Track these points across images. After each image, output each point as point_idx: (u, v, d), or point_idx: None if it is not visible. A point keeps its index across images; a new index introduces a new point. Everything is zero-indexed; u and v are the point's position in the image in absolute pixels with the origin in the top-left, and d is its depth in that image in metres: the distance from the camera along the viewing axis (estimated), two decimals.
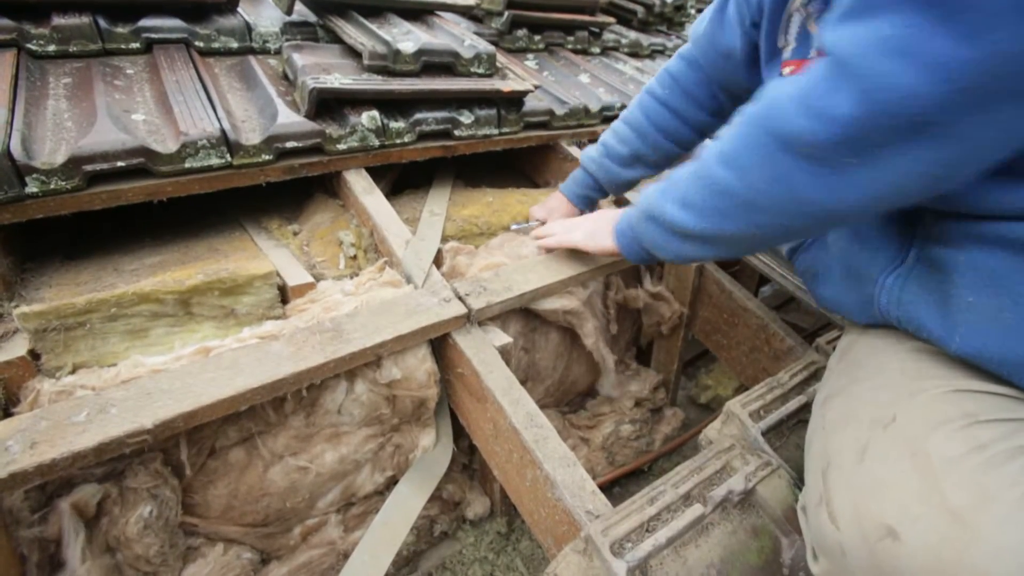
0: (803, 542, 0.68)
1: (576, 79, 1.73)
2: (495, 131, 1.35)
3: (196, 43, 1.26)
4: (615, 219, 0.90)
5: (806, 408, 0.84)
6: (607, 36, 2.11)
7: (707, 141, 1.13)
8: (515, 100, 1.38)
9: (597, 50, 2.06)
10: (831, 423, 0.62)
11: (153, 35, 1.21)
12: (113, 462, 0.77)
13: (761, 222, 0.61)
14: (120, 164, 0.92)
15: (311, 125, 1.10)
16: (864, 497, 0.51)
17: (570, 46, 1.97)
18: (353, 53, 1.28)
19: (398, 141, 1.22)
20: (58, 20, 1.12)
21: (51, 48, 1.12)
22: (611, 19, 2.12)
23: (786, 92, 0.53)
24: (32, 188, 0.86)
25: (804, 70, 0.52)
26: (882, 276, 0.65)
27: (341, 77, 1.15)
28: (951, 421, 0.51)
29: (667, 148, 1.11)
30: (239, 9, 1.37)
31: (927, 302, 0.60)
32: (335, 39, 1.36)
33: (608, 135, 1.17)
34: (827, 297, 0.78)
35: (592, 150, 1.20)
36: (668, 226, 0.72)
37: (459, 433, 1.06)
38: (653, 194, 0.75)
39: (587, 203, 1.23)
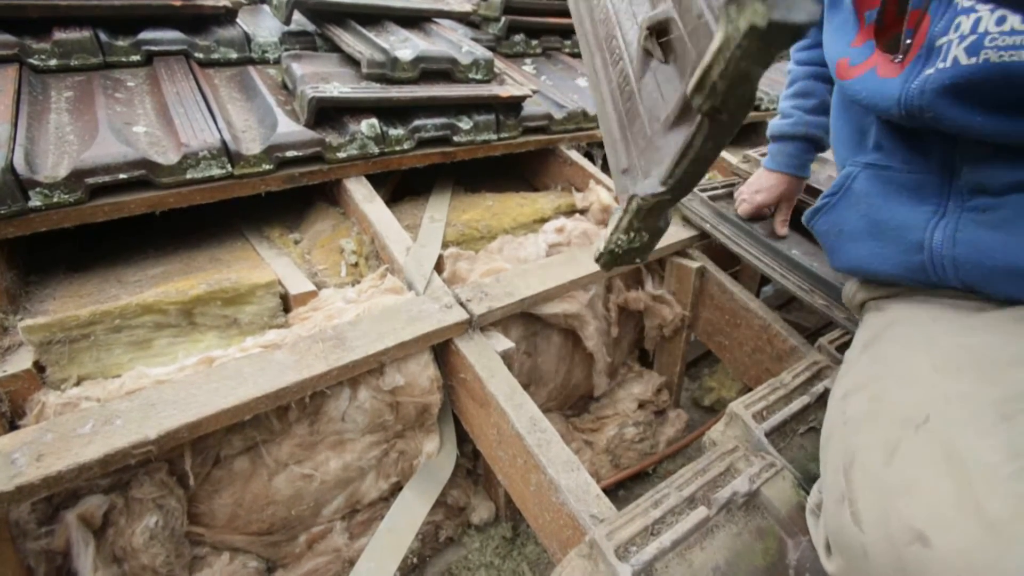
0: (809, 543, 0.68)
1: (574, 83, 1.73)
2: (494, 136, 1.35)
3: (196, 54, 1.27)
4: None
5: (810, 409, 0.84)
6: None
7: None
8: (513, 105, 1.38)
9: None
10: (853, 419, 0.60)
11: (153, 47, 1.22)
12: (119, 473, 0.77)
13: None
14: (122, 176, 0.92)
15: (311, 134, 1.10)
16: (893, 499, 0.50)
17: (567, 50, 1.98)
18: (351, 62, 1.28)
19: (397, 148, 1.22)
20: (59, 35, 1.13)
21: (52, 62, 1.13)
22: None
23: None
24: (35, 202, 0.87)
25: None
26: (931, 221, 0.67)
27: (340, 86, 1.15)
28: (988, 425, 0.49)
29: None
30: (238, 20, 1.38)
31: (985, 236, 0.62)
32: (333, 48, 1.37)
33: (785, 100, 1.12)
34: (856, 254, 0.78)
35: (779, 119, 1.13)
36: None
37: (463, 438, 1.06)
38: None
39: (805, 170, 1.15)
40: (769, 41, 0.36)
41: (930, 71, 0.61)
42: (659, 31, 0.47)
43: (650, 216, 0.51)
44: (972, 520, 0.45)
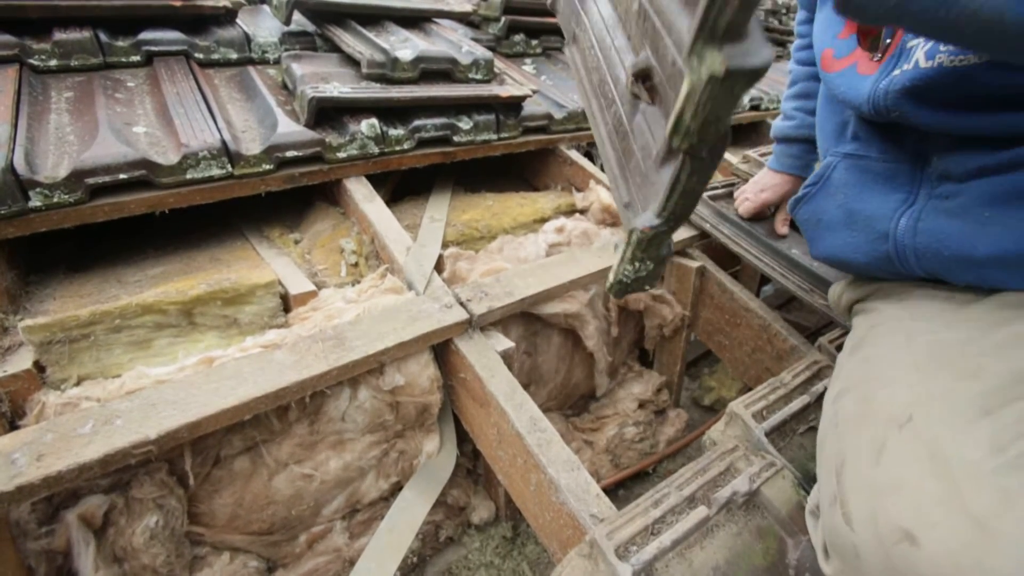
0: (809, 543, 0.68)
1: (574, 83, 1.73)
2: (494, 136, 1.35)
3: (196, 55, 1.27)
4: None
5: (809, 408, 0.84)
6: None
7: None
8: (513, 105, 1.38)
9: None
10: (844, 421, 0.61)
11: (153, 48, 1.22)
12: (119, 473, 0.77)
13: None
14: (122, 176, 0.92)
15: (311, 134, 1.10)
16: (881, 499, 0.51)
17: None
18: (351, 62, 1.29)
19: (397, 148, 1.22)
20: (59, 35, 1.13)
21: (53, 63, 1.13)
22: None
23: None
24: (36, 202, 0.87)
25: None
26: (899, 210, 0.69)
27: (340, 86, 1.15)
28: (970, 421, 0.50)
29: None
30: (238, 20, 1.39)
31: (943, 224, 0.65)
32: (333, 48, 1.37)
33: (787, 100, 1.12)
34: (832, 243, 0.80)
35: (782, 120, 1.13)
36: None
37: (463, 438, 1.06)
38: None
39: (808, 170, 1.14)
40: (730, 86, 0.40)
41: (896, 72, 0.64)
42: (643, 76, 0.50)
43: (651, 246, 0.55)
44: (958, 517, 0.45)
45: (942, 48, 0.59)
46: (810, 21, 1.03)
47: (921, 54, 0.61)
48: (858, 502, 0.53)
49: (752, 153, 1.56)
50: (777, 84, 2.21)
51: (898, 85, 0.64)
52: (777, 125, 1.15)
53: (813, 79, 1.08)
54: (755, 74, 0.40)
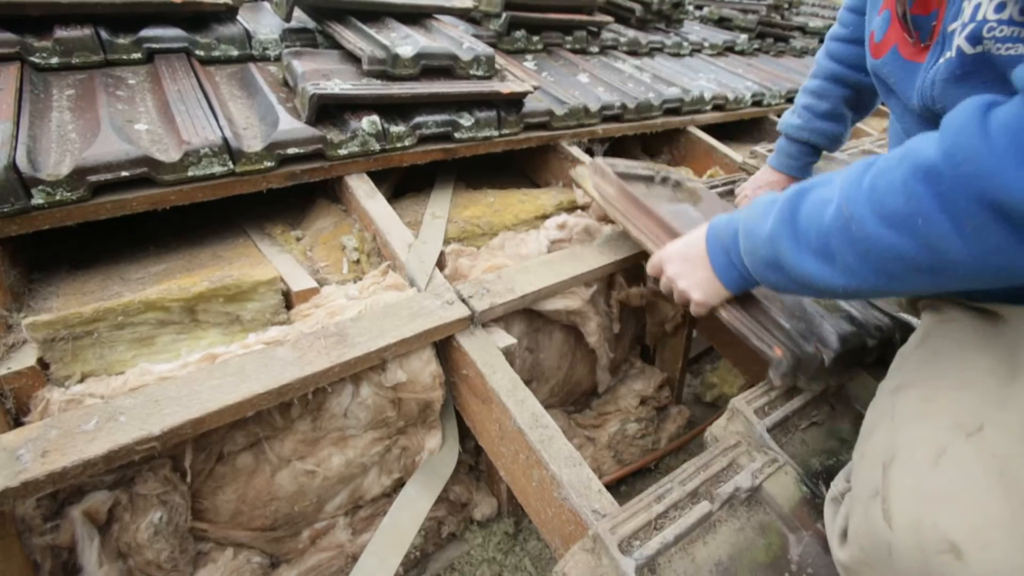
0: (811, 538, 0.68)
1: (575, 79, 1.73)
2: (495, 133, 1.35)
3: (197, 52, 1.27)
4: (711, 257, 0.80)
5: (811, 404, 0.84)
6: (605, 35, 2.12)
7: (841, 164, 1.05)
8: (515, 101, 1.38)
9: (595, 49, 2.06)
10: (902, 415, 0.58)
11: (154, 45, 1.22)
12: (123, 469, 0.77)
13: (946, 284, 0.53)
14: (124, 174, 0.92)
15: (312, 131, 1.10)
16: (931, 505, 0.48)
17: (568, 46, 1.98)
18: (352, 58, 1.28)
19: (399, 145, 1.22)
20: (60, 33, 1.13)
21: (54, 60, 1.13)
22: (609, 18, 2.12)
23: (979, 137, 0.45)
24: (38, 200, 0.87)
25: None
26: None
27: (341, 83, 1.15)
28: None
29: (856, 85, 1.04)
30: (238, 17, 1.38)
31: None
32: (334, 45, 1.37)
33: (801, 94, 1.11)
34: None
35: (790, 115, 1.14)
36: (800, 278, 0.63)
37: (465, 434, 1.06)
38: (775, 237, 0.65)
39: (806, 172, 1.17)
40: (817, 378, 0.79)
41: (941, 61, 0.59)
42: None
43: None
44: (1017, 543, 0.43)
45: (986, 33, 0.53)
46: (859, 11, 0.96)
47: (962, 40, 0.55)
48: (903, 501, 0.51)
49: (760, 148, 1.56)
50: (780, 79, 2.20)
51: (944, 74, 0.58)
52: (784, 118, 1.14)
53: (831, 80, 1.04)
54: (818, 362, 0.80)
